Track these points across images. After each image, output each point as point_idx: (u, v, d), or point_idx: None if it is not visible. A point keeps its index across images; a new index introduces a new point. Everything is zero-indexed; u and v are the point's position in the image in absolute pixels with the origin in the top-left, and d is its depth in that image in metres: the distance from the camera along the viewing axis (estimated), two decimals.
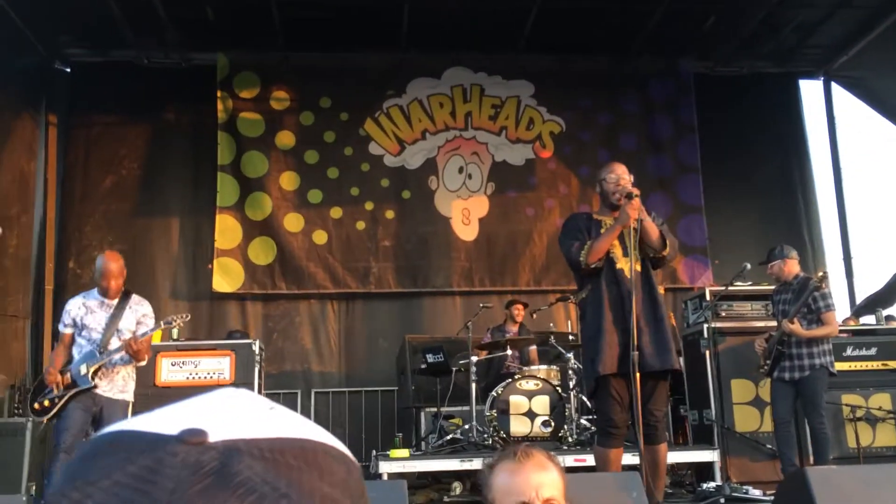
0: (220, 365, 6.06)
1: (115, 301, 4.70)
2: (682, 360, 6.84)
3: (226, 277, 8.35)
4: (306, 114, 8.78)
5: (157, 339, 6.26)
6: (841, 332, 6.33)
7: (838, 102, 9.76)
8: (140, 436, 0.41)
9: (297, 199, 8.61)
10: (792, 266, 5.67)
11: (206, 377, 6.00)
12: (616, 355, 3.87)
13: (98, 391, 4.55)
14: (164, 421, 0.42)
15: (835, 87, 9.74)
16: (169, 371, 6.01)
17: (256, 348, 6.19)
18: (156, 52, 8.66)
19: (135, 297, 4.79)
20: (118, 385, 4.64)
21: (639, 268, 3.90)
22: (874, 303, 8.13)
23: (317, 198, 8.63)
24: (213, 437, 0.40)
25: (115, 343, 4.60)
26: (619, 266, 3.98)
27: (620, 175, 4.03)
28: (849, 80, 9.49)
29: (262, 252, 8.46)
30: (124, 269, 4.75)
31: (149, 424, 0.42)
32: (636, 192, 3.89)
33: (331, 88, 8.80)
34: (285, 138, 8.70)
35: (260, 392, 6.25)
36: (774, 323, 5.73)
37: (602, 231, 4.03)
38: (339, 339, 8.51)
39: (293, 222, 8.54)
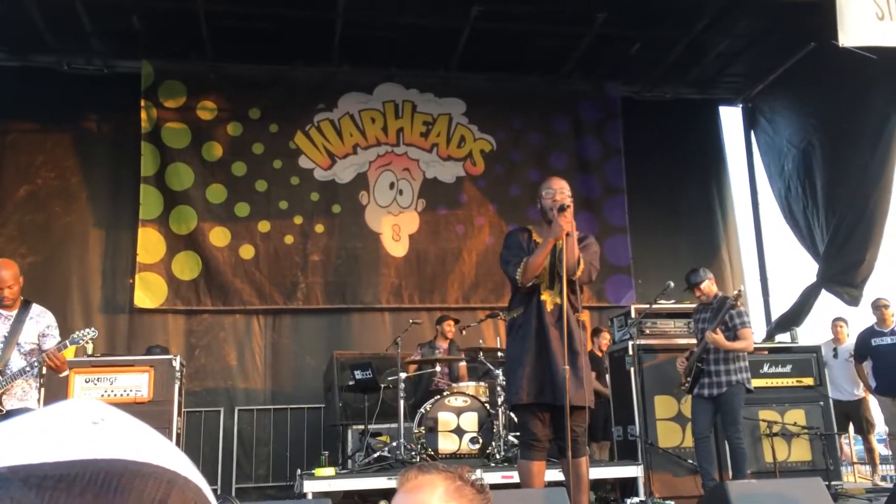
0: (137, 382, 5.82)
1: (14, 313, 4.46)
2: (608, 377, 6.98)
3: (148, 293, 8.09)
4: (234, 124, 8.61)
5: (70, 355, 5.99)
6: (758, 349, 6.54)
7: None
8: None
9: (223, 212, 8.41)
10: (711, 286, 5.86)
11: (122, 394, 5.75)
12: (534, 388, 3.89)
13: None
14: None
15: (751, 114, 10.16)
16: (82, 388, 5.73)
17: (177, 364, 5.98)
18: (77, 58, 8.37)
19: (35, 308, 4.53)
20: (17, 395, 4.45)
21: (560, 300, 3.88)
22: (785, 322, 8.45)
23: (244, 211, 8.46)
24: None
25: (15, 357, 4.39)
26: (542, 298, 3.98)
27: (557, 189, 4.03)
28: (761, 109, 9.92)
29: (187, 267, 8.23)
30: (20, 276, 4.50)
31: None
32: (568, 203, 3.92)
33: (260, 99, 8.67)
34: (212, 149, 8.51)
35: (180, 410, 6.04)
36: (696, 340, 5.89)
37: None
38: (265, 355, 8.33)
39: (219, 236, 8.34)
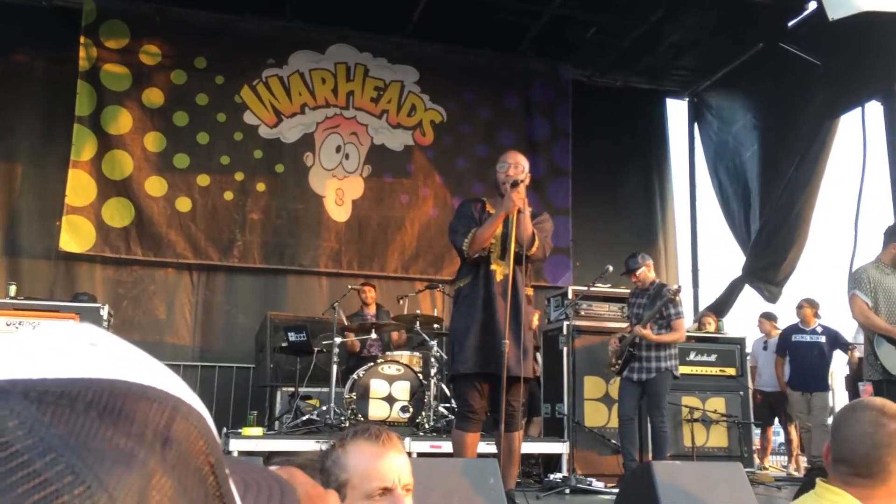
0: None
1: None
2: (540, 355, 7.07)
3: (75, 237, 7.77)
4: (178, 72, 8.31)
5: None
6: (686, 337, 6.73)
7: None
8: None
9: (161, 161, 8.13)
10: (648, 273, 5.97)
11: None
12: (480, 358, 3.89)
13: None
14: None
15: (696, 109, 10.38)
16: (2, 331, 5.49)
17: (104, 314, 5.79)
18: None
19: None
20: None
21: (510, 272, 3.88)
22: (712, 311, 8.72)
23: (183, 163, 8.20)
24: None
25: None
26: (492, 267, 3.98)
27: (512, 164, 3.99)
28: (707, 104, 10.15)
29: (118, 214, 7.94)
30: None
31: None
32: (522, 178, 3.89)
33: (207, 49, 8.37)
34: (153, 96, 8.19)
35: None
36: (627, 324, 6.01)
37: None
38: (196, 311, 8.13)
39: (155, 186, 8.07)
